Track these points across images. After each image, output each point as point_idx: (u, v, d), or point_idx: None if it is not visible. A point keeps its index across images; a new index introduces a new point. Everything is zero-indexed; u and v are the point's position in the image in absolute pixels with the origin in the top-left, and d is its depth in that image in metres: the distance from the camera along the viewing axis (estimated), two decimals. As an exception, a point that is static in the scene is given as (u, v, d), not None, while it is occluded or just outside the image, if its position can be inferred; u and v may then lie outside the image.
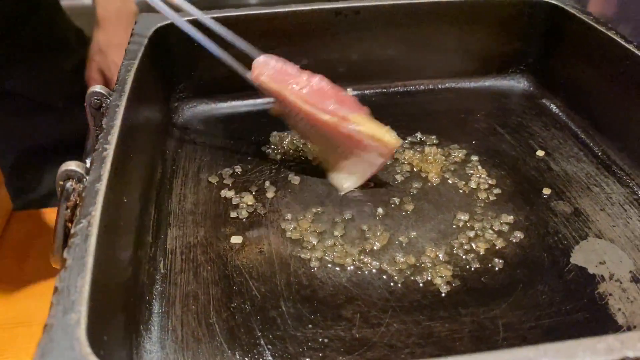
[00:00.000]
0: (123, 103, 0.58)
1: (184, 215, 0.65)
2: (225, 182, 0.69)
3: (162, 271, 0.58)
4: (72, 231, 0.43)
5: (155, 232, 0.62)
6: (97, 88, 0.59)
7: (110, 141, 0.52)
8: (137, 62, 0.66)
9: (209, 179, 0.70)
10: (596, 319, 0.53)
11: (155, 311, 0.54)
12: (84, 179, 0.48)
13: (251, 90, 0.83)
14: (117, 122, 0.55)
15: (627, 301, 0.54)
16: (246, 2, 1.69)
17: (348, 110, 0.63)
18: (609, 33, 0.72)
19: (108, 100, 0.59)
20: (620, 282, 0.56)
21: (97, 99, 0.59)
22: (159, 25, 0.75)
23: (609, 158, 0.72)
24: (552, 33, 0.82)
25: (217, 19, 0.73)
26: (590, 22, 0.75)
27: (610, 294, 0.55)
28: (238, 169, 0.71)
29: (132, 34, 0.72)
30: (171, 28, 0.76)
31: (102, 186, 0.47)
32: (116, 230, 0.50)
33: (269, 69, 0.65)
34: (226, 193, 0.67)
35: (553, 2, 0.81)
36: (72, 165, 0.48)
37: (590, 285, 0.56)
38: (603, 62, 0.74)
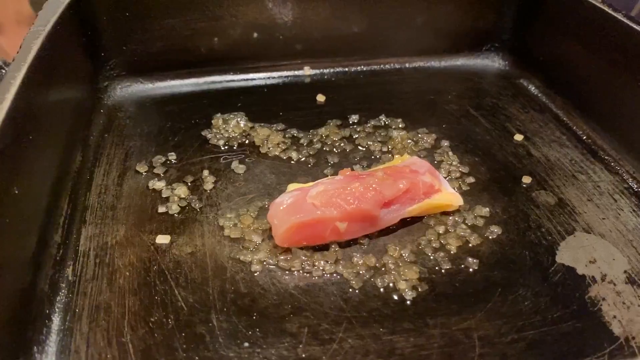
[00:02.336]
0: (21, 75, 0.48)
1: (103, 210, 0.54)
2: (155, 171, 0.59)
3: (70, 278, 0.47)
4: None
5: (66, 230, 0.52)
6: (-11, 56, 0.49)
7: (-5, 117, 0.42)
8: (47, 29, 0.55)
9: (137, 168, 0.59)
10: (588, 329, 0.44)
11: (56, 328, 0.43)
12: (-49, 164, 0.38)
13: (192, 67, 0.74)
14: (9, 96, 0.45)
15: (622, 307, 0.46)
16: None
17: (403, 207, 0.52)
18: (594, 2, 0.63)
19: (3, 71, 0.49)
20: (614, 284, 0.48)
21: (-10, 69, 0.49)
22: (80, -11, 0.64)
23: (594, 142, 0.64)
24: (529, 5, 0.74)
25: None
26: (572, -10, 0.67)
27: (604, 299, 0.47)
28: (172, 157, 0.61)
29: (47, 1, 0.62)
30: (96, -6, 0.66)
31: (-27, 172, 0.37)
32: (-3, 229, 0.40)
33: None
34: (155, 184, 0.57)
35: (530, -31, 0.73)
36: None
37: (580, 288, 0.48)
38: (587, 34, 0.66)
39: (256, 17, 0.73)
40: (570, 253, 0.51)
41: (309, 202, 0.49)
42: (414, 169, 0.54)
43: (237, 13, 0.72)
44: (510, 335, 0.44)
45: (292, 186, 0.54)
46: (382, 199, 0.50)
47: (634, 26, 0.59)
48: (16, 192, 0.43)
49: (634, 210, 0.55)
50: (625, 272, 0.49)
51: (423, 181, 0.53)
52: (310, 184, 0.53)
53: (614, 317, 0.45)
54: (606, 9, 0.62)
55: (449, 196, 0.54)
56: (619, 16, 0.60)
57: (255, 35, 0.74)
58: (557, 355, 0.42)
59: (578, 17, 0.67)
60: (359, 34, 0.77)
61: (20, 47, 0.52)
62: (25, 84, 0.47)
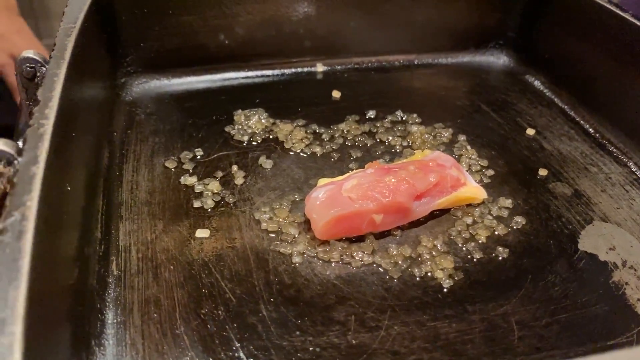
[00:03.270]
0: (63, 71, 0.48)
1: (137, 206, 0.55)
2: (184, 167, 0.60)
3: (115, 273, 0.48)
4: (0, 227, 0.33)
5: (105, 226, 0.52)
6: (30, 53, 0.49)
7: (48, 115, 0.42)
8: (78, 25, 0.55)
9: (166, 164, 0.60)
10: (616, 312, 0.47)
11: (109, 321, 0.44)
12: (15, 161, 0.38)
13: (208, 64, 0.75)
14: (56, 94, 0.45)
15: (645, 290, 0.49)
16: None
17: (433, 200, 0.54)
18: (601, 2, 0.67)
19: (44, 69, 0.49)
20: (635, 270, 0.51)
21: (30, 67, 0.49)
22: (102, -14, 0.64)
23: (602, 136, 0.67)
24: (536, 5, 0.77)
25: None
26: (579, -10, 0.70)
27: (627, 283, 0.50)
28: (199, 152, 0.62)
29: (70, -4, 0.62)
30: (117, -10, 0.66)
31: (40, 169, 0.37)
32: (58, 225, 0.40)
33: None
34: (187, 180, 0.58)
35: (537, -30, 0.76)
36: (-1, 144, 0.38)
37: (604, 274, 0.51)
38: (591, 31, 0.69)
39: (272, 15, 0.74)
40: (591, 241, 0.54)
41: (344, 196, 0.51)
42: (440, 163, 0.56)
43: (252, 10, 0.73)
44: (544, 319, 0.46)
45: (322, 181, 0.56)
46: (415, 191, 0.52)
47: (637, 22, 0.62)
48: (68, 188, 0.44)
49: (645, 200, 0.59)
50: (643, 258, 0.52)
51: (451, 175, 0.55)
52: (341, 177, 0.55)
53: (638, 300, 0.48)
54: (613, 9, 0.65)
55: (474, 189, 0.56)
56: (627, 16, 0.63)
57: (270, 32, 0.75)
58: (589, 337, 0.45)
59: (582, 15, 0.70)
60: (369, 32, 0.79)
61: (55, 45, 0.52)
62: (67, 81, 0.48)
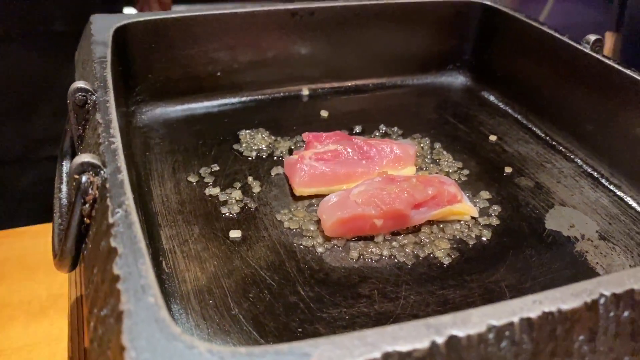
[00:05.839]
0: (112, 98, 0.56)
1: (172, 215, 0.62)
2: (206, 180, 0.68)
3: (167, 270, 0.55)
4: (111, 221, 0.40)
5: (147, 233, 0.59)
6: (82, 84, 0.56)
7: (114, 135, 0.50)
8: (108, 59, 0.63)
9: (189, 179, 0.68)
10: (581, 273, 0.59)
11: (172, 310, 0.51)
12: (102, 171, 0.45)
13: (207, 91, 0.83)
14: (113, 117, 0.53)
15: (601, 256, 0.61)
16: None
17: (429, 210, 0.62)
18: (543, 28, 0.80)
19: (93, 97, 0.56)
20: (592, 241, 0.63)
21: (82, 96, 0.56)
22: (117, 25, 0.72)
23: (552, 138, 0.80)
24: (487, 31, 0.90)
25: (176, 20, 0.72)
26: (524, 19, 0.83)
27: (587, 252, 0.61)
28: (215, 167, 0.70)
29: (90, 34, 0.69)
30: (130, 29, 0.74)
31: (125, 177, 0.45)
32: (135, 225, 0.48)
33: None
34: (211, 191, 0.66)
35: (486, 3, 0.89)
36: (87, 158, 0.45)
37: (568, 245, 0.62)
38: (535, 52, 0.82)
39: (266, 48, 0.83)
40: (555, 221, 0.65)
41: (352, 200, 0.60)
42: (441, 180, 0.65)
43: (250, 43, 0.82)
44: (528, 282, 0.57)
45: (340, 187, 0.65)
46: (414, 200, 0.61)
47: (572, 43, 0.76)
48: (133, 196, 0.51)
49: (592, 188, 0.71)
50: (597, 232, 0.64)
51: (448, 190, 0.63)
52: (354, 184, 0.64)
53: (597, 263, 0.60)
54: (553, 33, 0.79)
55: (467, 207, 0.64)
56: (565, 39, 0.77)
57: (263, 63, 0.85)
58: (564, 293, 0.56)
59: (527, 39, 0.83)
60: (345, 60, 0.90)
61: (96, 77, 0.59)
62: (115, 104, 0.55)
